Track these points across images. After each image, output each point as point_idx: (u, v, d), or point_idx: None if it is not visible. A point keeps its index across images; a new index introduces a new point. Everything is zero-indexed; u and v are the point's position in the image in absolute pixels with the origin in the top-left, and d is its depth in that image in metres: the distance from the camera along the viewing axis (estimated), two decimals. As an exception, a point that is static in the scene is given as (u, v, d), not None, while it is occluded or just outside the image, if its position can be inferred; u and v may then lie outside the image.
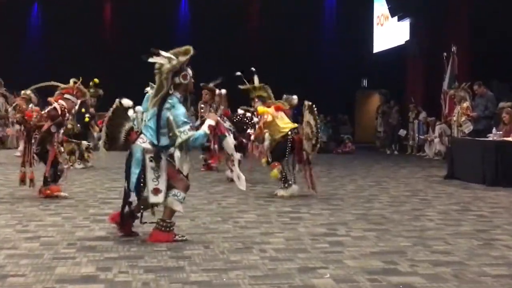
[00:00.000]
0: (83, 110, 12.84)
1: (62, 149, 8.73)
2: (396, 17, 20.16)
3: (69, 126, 12.46)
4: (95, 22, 24.63)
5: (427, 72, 19.17)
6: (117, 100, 5.86)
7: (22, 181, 8.36)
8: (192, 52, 5.40)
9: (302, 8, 23.18)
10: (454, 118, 13.34)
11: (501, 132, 10.79)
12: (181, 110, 5.37)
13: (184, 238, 5.52)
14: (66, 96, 8.39)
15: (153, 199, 5.37)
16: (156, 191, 5.35)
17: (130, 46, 23.09)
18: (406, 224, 6.45)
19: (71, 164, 12.46)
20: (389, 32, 21.86)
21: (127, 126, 5.72)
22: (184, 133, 5.29)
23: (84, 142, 12.93)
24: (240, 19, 24.09)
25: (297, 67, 22.44)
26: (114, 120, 5.75)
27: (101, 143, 5.85)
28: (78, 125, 12.76)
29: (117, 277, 4.30)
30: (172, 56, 5.35)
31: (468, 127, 12.68)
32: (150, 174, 5.35)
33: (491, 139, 10.74)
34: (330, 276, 4.35)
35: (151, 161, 5.35)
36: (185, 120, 5.33)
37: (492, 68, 14.70)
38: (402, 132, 19.02)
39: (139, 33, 22.70)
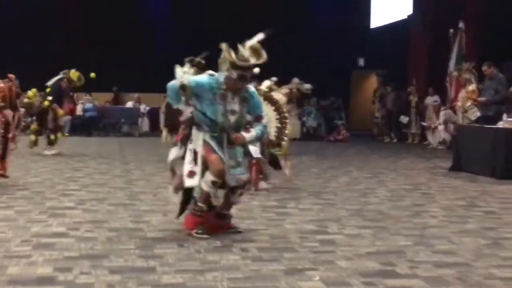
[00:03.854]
0: (48, 89, 13.14)
1: None
2: (397, -12, 20.20)
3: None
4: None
5: (432, 50, 19.23)
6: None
7: None
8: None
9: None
10: (459, 104, 13.42)
11: (513, 119, 10.86)
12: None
13: (206, 236, 5.52)
14: None
15: (188, 182, 5.50)
16: (191, 174, 5.48)
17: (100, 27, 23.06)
18: (405, 221, 6.49)
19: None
20: (389, 5, 21.87)
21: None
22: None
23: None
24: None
25: (284, 43, 22.26)
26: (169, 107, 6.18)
27: (163, 129, 6.18)
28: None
29: (78, 279, 4.27)
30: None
31: (474, 113, 12.70)
32: (188, 157, 5.55)
33: (502, 126, 10.80)
34: (320, 278, 4.35)
35: (190, 142, 5.58)
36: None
37: (505, 47, 14.78)
38: (404, 119, 18.95)
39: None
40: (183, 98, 5.64)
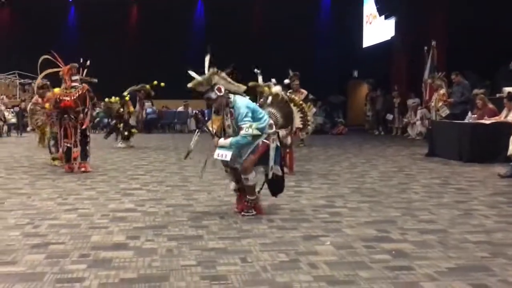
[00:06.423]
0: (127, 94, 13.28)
1: None
2: (383, 16, 19.93)
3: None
4: (122, 21, 24.54)
5: (410, 63, 18.97)
6: None
7: (60, 159, 8.42)
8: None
9: (301, 8, 22.97)
10: (433, 104, 13.27)
11: (475, 116, 10.66)
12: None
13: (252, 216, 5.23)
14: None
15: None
16: None
17: (152, 42, 23.04)
18: (394, 197, 6.33)
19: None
20: (377, 29, 21.67)
21: None
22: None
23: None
24: (247, 19, 23.92)
25: (297, 60, 22.11)
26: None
27: None
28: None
29: (144, 245, 4.21)
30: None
31: (444, 111, 12.68)
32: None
33: (466, 121, 10.61)
34: (330, 243, 4.24)
35: None
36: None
37: (466, 60, 14.49)
38: (389, 116, 18.88)
39: (161, 30, 22.65)
40: None
